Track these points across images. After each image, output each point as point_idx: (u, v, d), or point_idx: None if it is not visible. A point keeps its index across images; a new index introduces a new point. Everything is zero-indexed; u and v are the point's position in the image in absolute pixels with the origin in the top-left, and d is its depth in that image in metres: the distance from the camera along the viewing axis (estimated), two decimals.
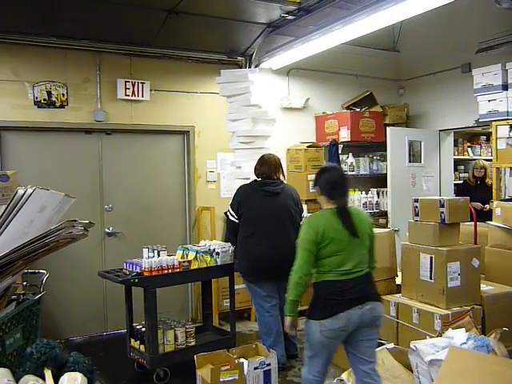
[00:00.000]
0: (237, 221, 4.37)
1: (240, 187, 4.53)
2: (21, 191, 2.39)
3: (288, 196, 4.47)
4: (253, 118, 5.33)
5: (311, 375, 3.14)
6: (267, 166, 4.45)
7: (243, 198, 4.38)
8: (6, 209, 2.37)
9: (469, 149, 7.77)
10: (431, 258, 3.85)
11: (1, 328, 2.50)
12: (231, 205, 4.44)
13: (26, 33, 5.04)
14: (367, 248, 3.21)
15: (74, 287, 5.41)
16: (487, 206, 6.16)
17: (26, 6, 4.65)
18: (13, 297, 2.91)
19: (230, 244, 4.60)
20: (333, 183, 3.16)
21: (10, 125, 5.13)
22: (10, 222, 2.38)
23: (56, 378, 1.92)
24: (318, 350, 3.12)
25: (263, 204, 4.34)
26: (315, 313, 3.09)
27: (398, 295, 4.16)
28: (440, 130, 6.84)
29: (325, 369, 3.17)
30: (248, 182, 4.80)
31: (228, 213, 4.49)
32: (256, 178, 4.49)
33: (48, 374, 1.92)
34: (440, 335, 3.36)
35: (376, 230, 4.88)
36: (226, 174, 6.08)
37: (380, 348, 3.80)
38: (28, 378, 1.87)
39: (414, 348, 3.12)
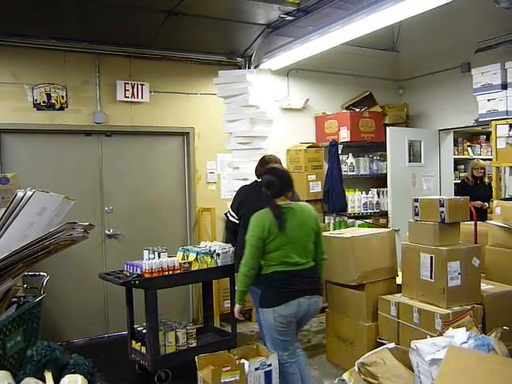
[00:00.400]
0: (237, 221, 4.36)
1: (240, 188, 4.52)
2: (20, 193, 2.40)
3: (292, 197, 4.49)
4: (251, 118, 5.32)
5: (280, 358, 3.41)
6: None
7: (244, 198, 4.37)
8: (6, 211, 2.37)
9: (469, 148, 7.78)
10: (431, 257, 3.85)
11: (1, 331, 2.50)
12: (231, 205, 4.44)
13: (25, 35, 5.05)
14: (313, 241, 3.48)
15: (74, 289, 5.41)
16: (486, 204, 6.20)
17: (25, 9, 4.66)
18: (13, 299, 2.92)
19: (230, 245, 4.60)
20: (269, 184, 3.46)
21: (9, 127, 5.14)
22: (10, 224, 2.39)
23: (57, 381, 1.92)
24: (274, 335, 3.42)
25: (263, 205, 4.33)
26: (268, 301, 3.39)
27: (398, 295, 4.16)
28: (440, 130, 6.85)
29: (287, 350, 3.46)
30: (247, 182, 4.80)
31: (228, 214, 4.49)
32: (257, 178, 4.49)
33: (48, 376, 1.92)
34: (441, 334, 3.35)
35: (376, 230, 4.92)
36: (226, 174, 6.07)
37: (381, 348, 3.80)
38: (28, 381, 1.88)
39: (414, 347, 3.10)
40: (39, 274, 3.59)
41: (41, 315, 2.93)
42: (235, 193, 4.52)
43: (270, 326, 3.42)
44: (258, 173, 4.47)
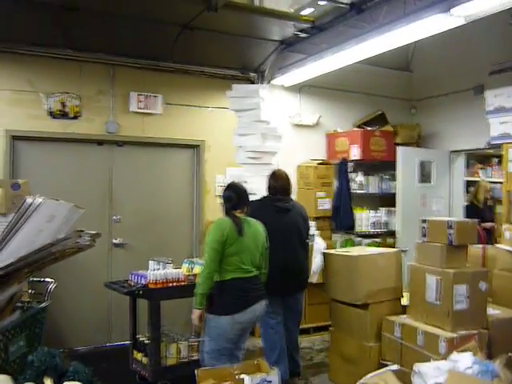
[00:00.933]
0: None
1: (251, 203, 4.49)
2: (29, 200, 2.41)
3: (297, 213, 4.48)
4: (262, 133, 5.34)
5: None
6: (283, 182, 4.44)
7: (255, 214, 4.21)
8: (14, 217, 2.39)
9: (480, 171, 7.71)
10: (437, 279, 3.81)
11: (5, 335, 2.51)
12: None
13: (42, 45, 5.14)
14: (261, 254, 3.80)
15: (79, 296, 5.42)
16: (495, 225, 6.17)
17: (43, 19, 4.75)
18: (18, 304, 2.93)
19: None
20: (228, 198, 3.80)
21: (23, 134, 5.21)
22: (18, 230, 2.40)
23: None
24: (223, 344, 3.55)
25: (274, 220, 4.26)
26: (226, 309, 3.53)
27: (403, 316, 4.11)
28: (451, 151, 6.83)
29: (230, 360, 3.52)
30: (256, 197, 4.80)
31: None
32: (268, 193, 4.45)
33: (48, 382, 1.93)
34: (445, 358, 3.32)
35: (383, 250, 4.90)
36: None
37: (384, 369, 3.76)
38: None
39: (417, 371, 3.07)
40: (45, 280, 3.61)
41: (44, 321, 2.94)
42: None
43: (222, 334, 3.54)
44: (271, 188, 4.42)
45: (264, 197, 4.48)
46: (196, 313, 3.61)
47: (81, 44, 5.25)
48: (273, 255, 4.20)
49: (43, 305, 3.00)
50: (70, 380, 1.96)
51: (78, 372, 2.00)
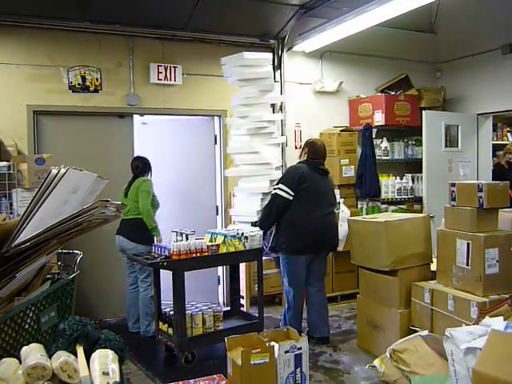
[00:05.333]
0: (290, 198, 4.40)
1: (295, 166, 4.66)
2: (54, 171, 2.41)
3: (331, 178, 4.83)
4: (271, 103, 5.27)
5: None
6: (321, 149, 4.69)
7: (304, 174, 4.47)
8: (40, 188, 2.39)
9: (508, 134, 7.54)
10: (468, 243, 3.74)
11: (36, 306, 2.55)
12: (286, 181, 4.47)
13: (60, 18, 5.08)
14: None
15: (106, 269, 5.46)
16: None
17: None
18: (48, 276, 2.97)
19: (258, 229, 4.56)
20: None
21: (45, 109, 5.21)
22: (44, 200, 2.40)
23: (88, 355, 1.93)
24: None
25: (320, 182, 4.56)
26: None
27: (432, 282, 4.06)
28: (478, 114, 6.64)
29: None
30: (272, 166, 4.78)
31: (278, 190, 4.45)
32: (310, 159, 4.61)
33: (80, 350, 1.94)
34: (477, 323, 3.27)
35: (411, 215, 4.84)
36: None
37: (414, 335, 3.73)
38: (60, 354, 1.89)
39: (449, 335, 3.03)
40: (73, 252, 3.64)
41: (74, 292, 2.98)
42: (287, 170, 4.72)
43: None
44: (311, 155, 4.62)
45: (307, 160, 4.63)
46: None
47: (98, 16, 5.18)
48: (320, 215, 4.48)
49: (72, 276, 3.04)
50: (101, 348, 1.96)
51: (109, 340, 2.01)
